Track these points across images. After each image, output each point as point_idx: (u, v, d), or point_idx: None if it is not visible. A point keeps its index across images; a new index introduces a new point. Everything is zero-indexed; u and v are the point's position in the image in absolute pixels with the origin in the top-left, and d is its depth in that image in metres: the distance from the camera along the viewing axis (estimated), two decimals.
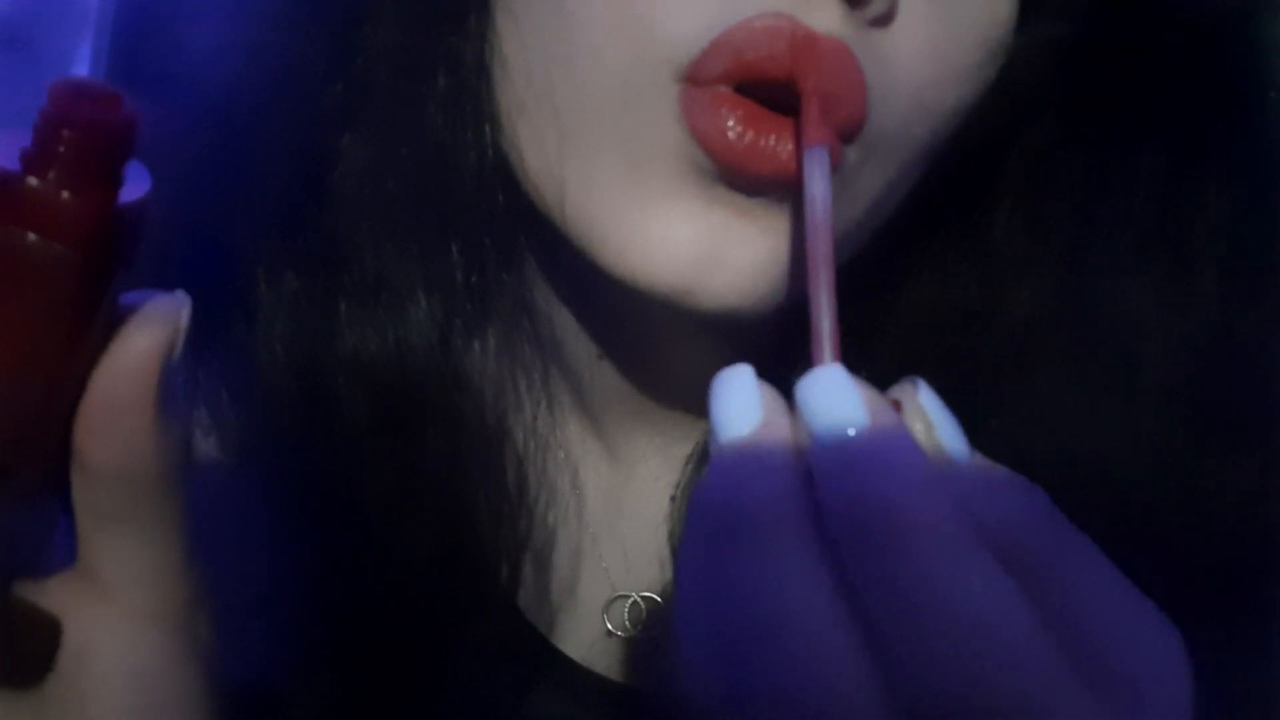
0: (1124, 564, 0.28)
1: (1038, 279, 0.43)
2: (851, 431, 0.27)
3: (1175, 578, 0.37)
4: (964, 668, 0.24)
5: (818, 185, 0.33)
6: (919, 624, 0.25)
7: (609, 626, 0.47)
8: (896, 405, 0.29)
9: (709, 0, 0.36)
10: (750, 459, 0.28)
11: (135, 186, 0.26)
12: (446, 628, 0.42)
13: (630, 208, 0.37)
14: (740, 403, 0.29)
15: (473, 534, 0.43)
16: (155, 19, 0.47)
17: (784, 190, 0.36)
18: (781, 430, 0.28)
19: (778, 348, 0.37)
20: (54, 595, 0.29)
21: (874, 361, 0.43)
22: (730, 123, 0.35)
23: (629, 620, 0.47)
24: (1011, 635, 0.25)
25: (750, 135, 0.35)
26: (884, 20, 0.37)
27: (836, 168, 0.37)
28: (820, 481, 0.27)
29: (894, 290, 0.44)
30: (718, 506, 0.28)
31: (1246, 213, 0.43)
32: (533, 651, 0.45)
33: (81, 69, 0.56)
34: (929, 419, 0.29)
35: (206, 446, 0.42)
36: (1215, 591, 0.40)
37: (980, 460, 0.28)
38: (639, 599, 0.47)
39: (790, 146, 0.35)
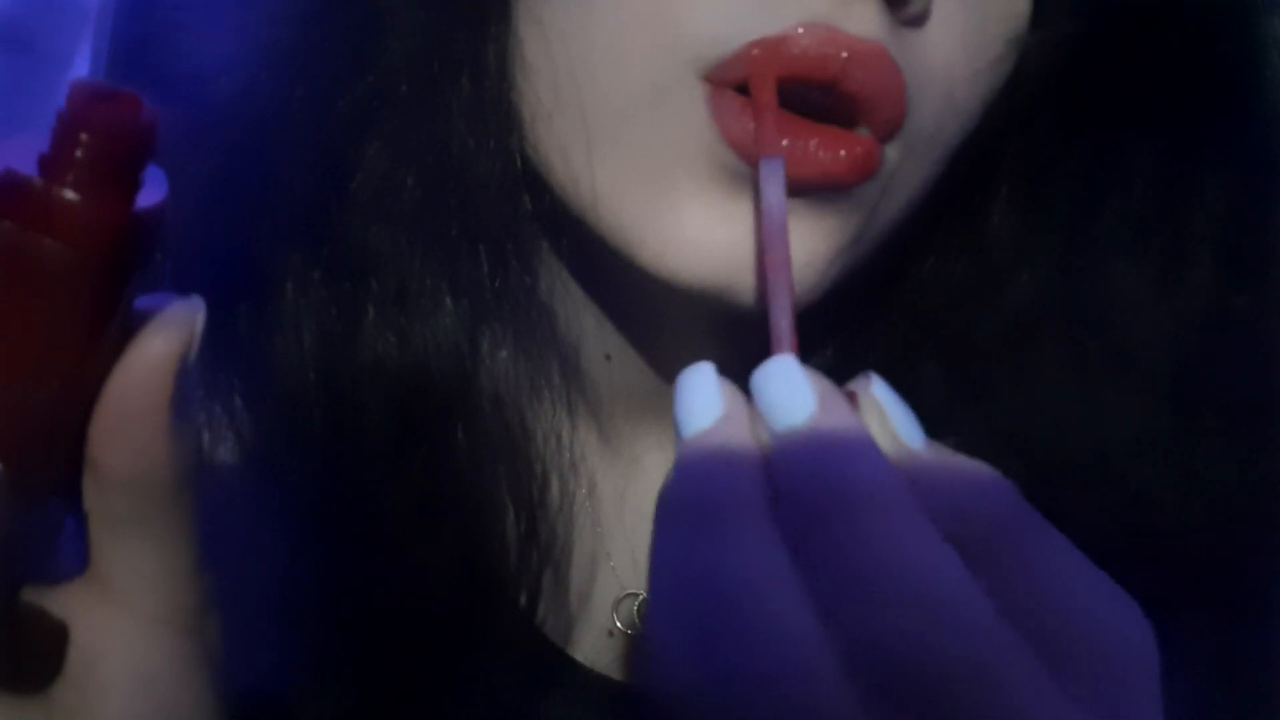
0: (1116, 547, 0.28)
1: (1035, 264, 0.44)
2: (802, 418, 0.28)
3: (1167, 561, 0.38)
4: (913, 636, 0.25)
5: (773, 193, 0.34)
6: (868, 595, 0.26)
7: (617, 624, 0.47)
8: (852, 397, 0.30)
9: (739, 4, 0.36)
10: (711, 450, 0.29)
11: (152, 191, 0.26)
12: (464, 635, 0.42)
13: (666, 209, 0.38)
14: (701, 398, 0.30)
15: (495, 540, 0.43)
16: (156, 21, 0.46)
17: (822, 190, 0.37)
18: (740, 421, 0.29)
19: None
20: (64, 600, 0.29)
21: (874, 346, 0.44)
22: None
23: (638, 617, 0.47)
24: (957, 603, 0.25)
25: (787, 140, 0.36)
26: (920, 20, 0.37)
27: (878, 166, 0.37)
28: (775, 466, 0.28)
29: (894, 276, 0.45)
30: (682, 497, 0.29)
31: (1241, 200, 0.43)
32: (547, 656, 0.45)
33: (81, 69, 0.55)
34: (883, 410, 0.29)
35: (224, 451, 0.42)
36: (1207, 575, 0.41)
37: (938, 449, 0.29)
38: (647, 596, 0.47)
39: (829, 152, 0.36)
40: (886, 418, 0.29)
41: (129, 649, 0.29)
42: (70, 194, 0.25)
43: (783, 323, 0.32)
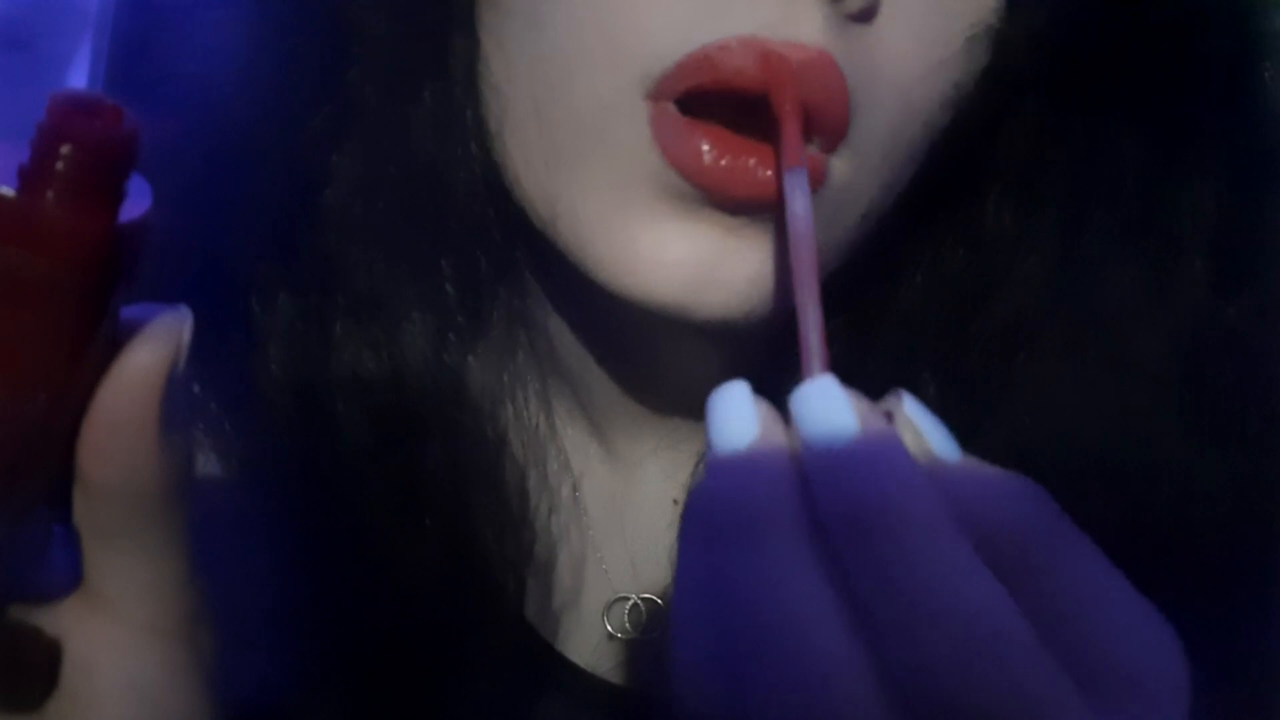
0: (1117, 551, 0.28)
1: (1028, 265, 0.43)
2: (845, 439, 0.28)
3: (1168, 564, 0.38)
4: (956, 661, 0.25)
5: (799, 204, 0.34)
6: (913, 619, 0.25)
7: (609, 629, 0.47)
8: (887, 415, 0.29)
9: (682, 17, 0.36)
10: (748, 465, 0.28)
11: (136, 202, 0.26)
12: (453, 641, 0.42)
13: (619, 228, 0.37)
14: (737, 418, 0.29)
15: (477, 546, 0.43)
16: (155, 22, 0.47)
17: (767, 208, 0.36)
18: (778, 441, 0.29)
19: (774, 348, 0.37)
20: (57, 613, 0.29)
21: (873, 353, 0.43)
22: (705, 147, 0.36)
23: (629, 622, 0.47)
24: (1000, 630, 0.25)
25: (727, 159, 0.36)
26: (867, 15, 0.36)
27: (823, 178, 0.37)
28: (816, 484, 0.27)
29: (891, 280, 0.44)
30: (716, 509, 0.28)
31: (1233, 199, 0.43)
32: (538, 660, 0.45)
33: (81, 71, 0.55)
34: (918, 427, 0.29)
35: (208, 464, 0.42)
36: (1208, 577, 0.40)
37: (973, 462, 0.29)
38: (639, 600, 0.47)
39: (768, 170, 0.36)
40: (921, 434, 0.29)
41: (123, 660, 0.29)
42: (51, 206, 0.24)
43: (813, 338, 0.31)
